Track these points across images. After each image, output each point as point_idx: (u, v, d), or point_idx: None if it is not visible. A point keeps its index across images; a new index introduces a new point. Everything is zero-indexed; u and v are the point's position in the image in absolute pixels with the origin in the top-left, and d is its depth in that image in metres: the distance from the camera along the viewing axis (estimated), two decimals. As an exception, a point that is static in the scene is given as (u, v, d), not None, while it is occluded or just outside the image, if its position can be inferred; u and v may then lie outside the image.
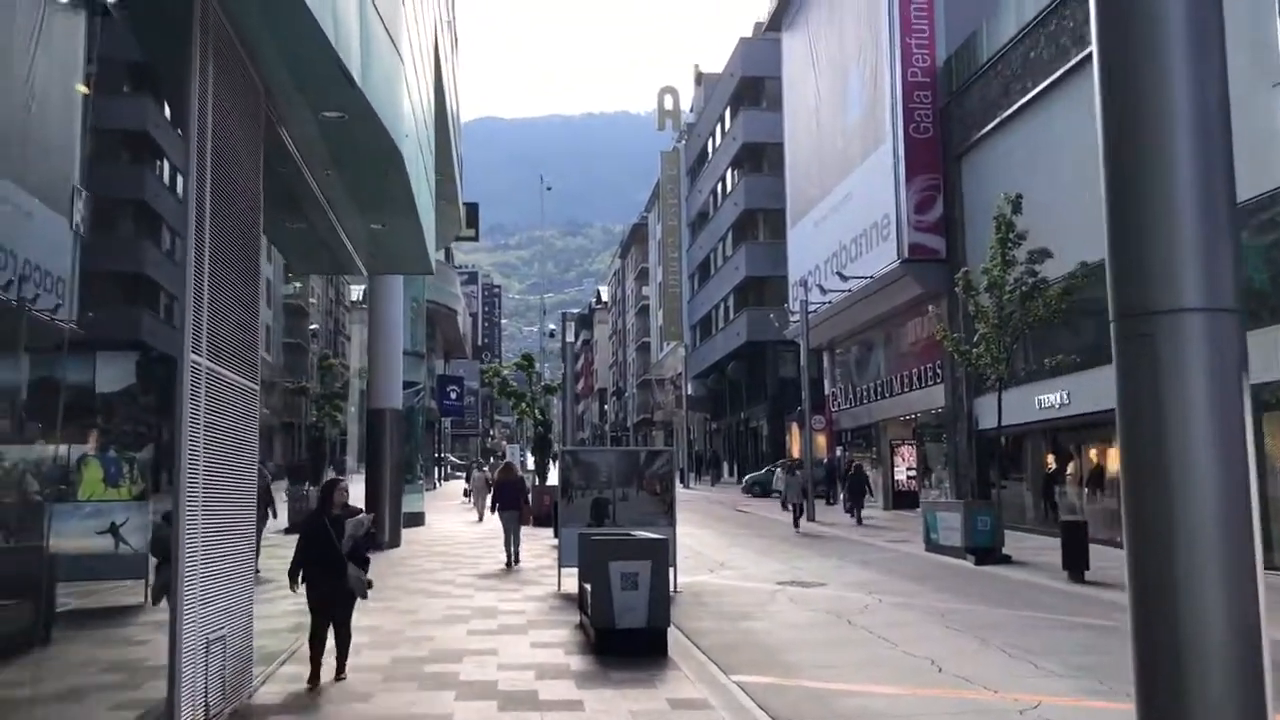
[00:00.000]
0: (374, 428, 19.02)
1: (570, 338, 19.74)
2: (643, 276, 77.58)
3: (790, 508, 28.53)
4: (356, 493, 14.76)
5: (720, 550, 18.64)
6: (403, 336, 20.22)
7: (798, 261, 35.67)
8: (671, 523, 13.10)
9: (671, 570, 12.32)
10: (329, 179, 9.49)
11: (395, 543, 18.37)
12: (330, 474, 21.90)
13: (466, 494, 34.71)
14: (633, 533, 10.53)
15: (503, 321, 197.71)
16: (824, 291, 30.27)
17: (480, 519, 24.95)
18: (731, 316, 47.96)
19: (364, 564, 7.50)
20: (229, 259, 6.41)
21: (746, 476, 41.53)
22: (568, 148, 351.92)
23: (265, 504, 14.26)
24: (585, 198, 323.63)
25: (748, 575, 14.99)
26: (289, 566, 7.46)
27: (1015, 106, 22.09)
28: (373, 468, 18.94)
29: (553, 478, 24.40)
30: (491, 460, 48.94)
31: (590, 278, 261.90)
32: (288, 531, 14.91)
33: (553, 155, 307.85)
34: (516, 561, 15.56)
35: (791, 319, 34.92)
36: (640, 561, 8.80)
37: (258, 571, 11.92)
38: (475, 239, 45.42)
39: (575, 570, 11.16)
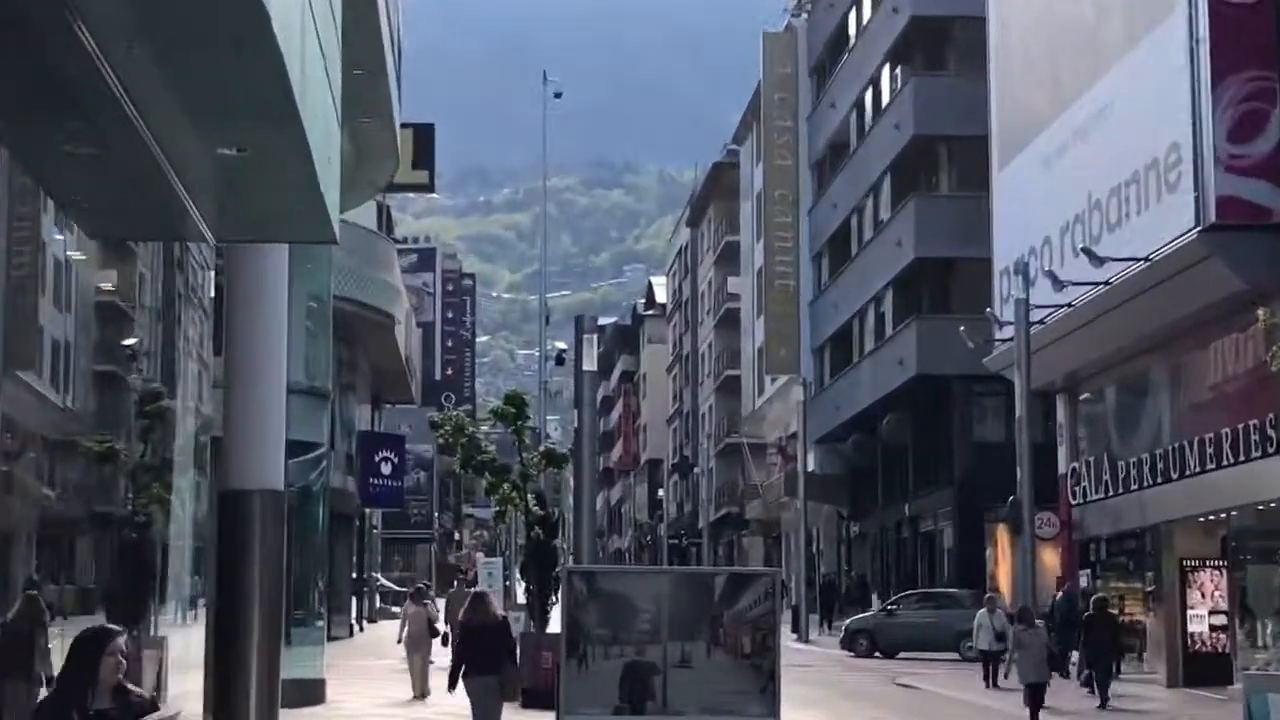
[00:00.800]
0: (230, 525, 18.57)
1: (590, 364, 19.36)
2: (729, 258, 77.64)
3: (993, 677, 27.95)
4: (192, 643, 14.36)
5: None
6: (286, 361, 19.86)
7: (1011, 230, 35.54)
8: (770, 710, 12.51)
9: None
10: (135, 60, 9.11)
11: None
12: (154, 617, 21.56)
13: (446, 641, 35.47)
14: None
15: (479, 339, 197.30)
16: (1059, 285, 29.94)
17: (420, 694, 24.49)
18: (889, 330, 48.10)
19: None
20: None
21: (848, 622, 42.52)
22: (593, 29, 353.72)
23: (31, 659, 13.73)
24: (626, 119, 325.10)
25: None
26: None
27: None
28: (227, 599, 18.53)
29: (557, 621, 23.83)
30: (454, 583, 48.28)
31: (636, 263, 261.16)
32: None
33: (568, 43, 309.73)
34: None
35: (998, 335, 34.65)
36: None
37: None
38: (430, 188, 45.66)
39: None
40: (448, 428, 25.55)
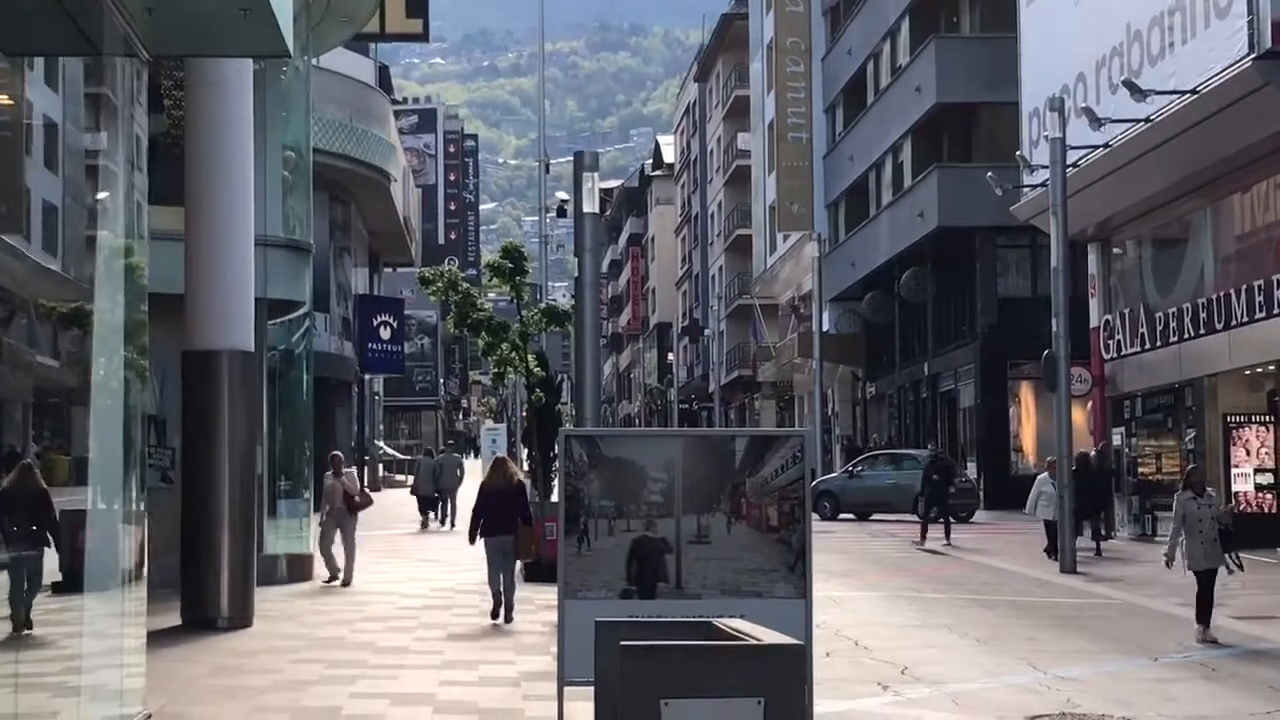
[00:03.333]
0: (196, 388, 17.17)
1: (591, 206, 17.62)
2: (739, 113, 76.16)
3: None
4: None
5: (900, 637, 17.19)
6: (253, 211, 18.25)
7: (1040, 69, 34.23)
8: (801, 590, 11.29)
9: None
10: None
11: (240, 619, 16.84)
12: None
13: (435, 502, 36.35)
14: (719, 621, 8.44)
15: (486, 206, 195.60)
16: (1097, 122, 28.48)
17: (336, 576, 21.68)
18: (908, 181, 46.86)
19: None
20: None
21: (813, 484, 43.10)
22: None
23: (32, 530, 12.19)
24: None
25: (962, 697, 13.24)
26: None
27: None
28: (194, 468, 17.14)
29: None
30: (425, 449, 46.81)
31: (643, 127, 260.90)
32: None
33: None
34: (508, 615, 17.33)
35: (1027, 181, 33.44)
36: (738, 701, 6.79)
37: None
38: (424, 38, 43.72)
39: (591, 690, 9.21)
40: (439, 284, 23.90)
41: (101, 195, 12.61)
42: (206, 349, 17.22)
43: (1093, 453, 30.44)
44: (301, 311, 24.19)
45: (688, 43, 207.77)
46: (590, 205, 17.39)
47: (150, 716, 11.40)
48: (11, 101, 10.30)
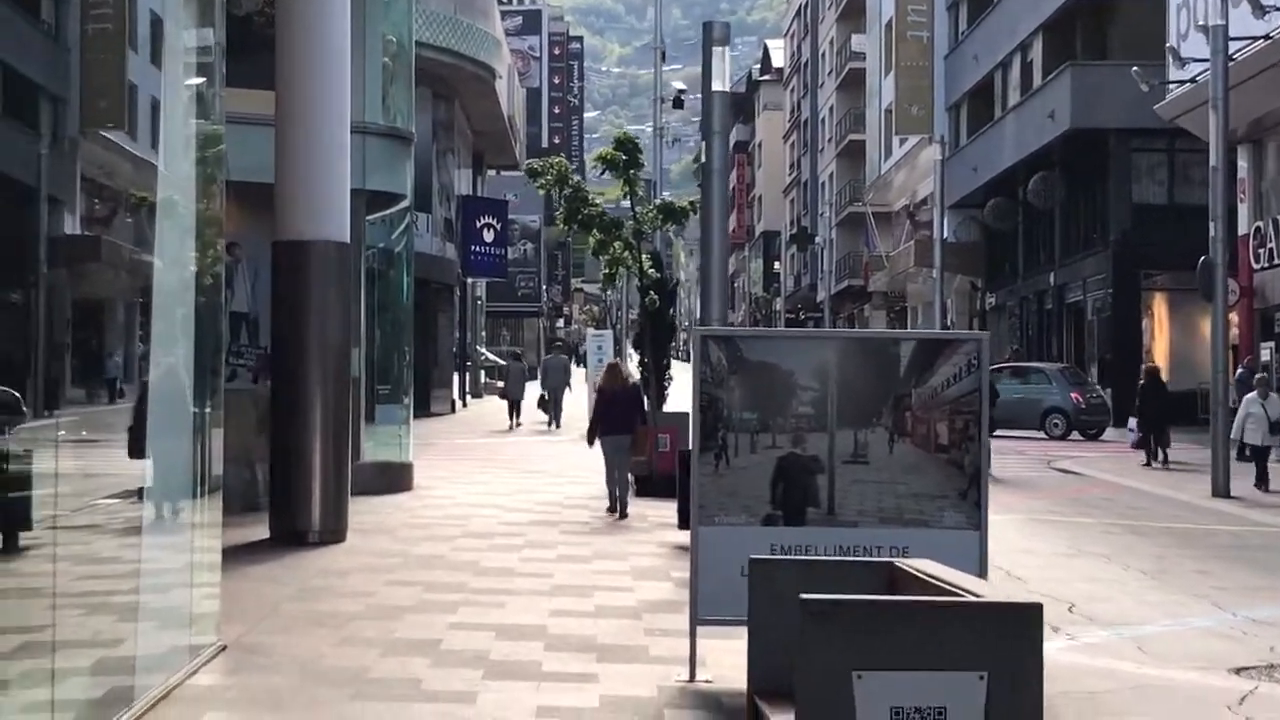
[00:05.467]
0: (287, 281, 15.85)
1: (721, 84, 16.05)
2: (853, 14, 74.04)
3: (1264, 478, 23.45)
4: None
5: (1053, 567, 15.66)
6: (352, 96, 16.91)
7: None
8: (975, 521, 10.11)
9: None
10: None
11: (333, 534, 15.81)
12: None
13: (543, 404, 38.08)
14: (902, 562, 6.93)
15: (589, 114, 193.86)
16: (1261, 11, 26.30)
17: None
18: (1037, 81, 44.87)
19: None
20: None
21: None
22: None
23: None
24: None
25: (1148, 642, 11.67)
26: None
27: None
28: (283, 372, 15.84)
29: (681, 399, 21.89)
30: (513, 353, 45.39)
31: (747, 35, 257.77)
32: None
33: None
34: (623, 511, 18.19)
35: (1174, 75, 31.36)
36: (954, 675, 5.28)
37: None
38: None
39: (728, 630, 8.56)
40: (549, 176, 22.43)
41: (195, 81, 11.34)
42: (297, 239, 15.91)
43: (1245, 371, 28.63)
44: (402, 206, 22.98)
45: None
46: (720, 83, 15.77)
47: (225, 648, 10.11)
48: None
